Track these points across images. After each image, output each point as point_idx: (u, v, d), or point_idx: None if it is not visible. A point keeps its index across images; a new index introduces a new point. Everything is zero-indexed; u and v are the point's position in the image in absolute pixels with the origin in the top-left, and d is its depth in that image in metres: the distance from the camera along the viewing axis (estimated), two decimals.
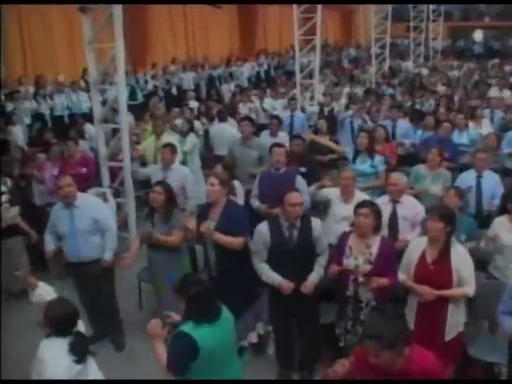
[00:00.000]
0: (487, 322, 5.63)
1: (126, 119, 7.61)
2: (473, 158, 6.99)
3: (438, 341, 4.56)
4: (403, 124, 9.90)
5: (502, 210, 5.58)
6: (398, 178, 5.87)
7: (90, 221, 5.58)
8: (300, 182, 6.47)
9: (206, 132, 10.89)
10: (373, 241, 4.90)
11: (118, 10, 6.83)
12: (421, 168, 7.03)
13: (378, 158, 7.38)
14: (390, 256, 4.89)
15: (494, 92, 13.12)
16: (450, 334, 4.64)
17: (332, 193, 6.21)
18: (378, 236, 4.94)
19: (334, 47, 26.69)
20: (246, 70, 19.01)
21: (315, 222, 5.08)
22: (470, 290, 4.54)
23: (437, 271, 4.54)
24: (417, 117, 10.41)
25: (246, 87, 16.71)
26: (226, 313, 3.80)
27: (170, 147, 7.32)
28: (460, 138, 9.11)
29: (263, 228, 5.05)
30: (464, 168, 7.32)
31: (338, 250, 5.05)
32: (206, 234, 5.14)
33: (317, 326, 5.32)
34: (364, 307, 4.95)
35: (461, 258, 4.56)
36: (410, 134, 9.65)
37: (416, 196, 6.38)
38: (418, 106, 12.22)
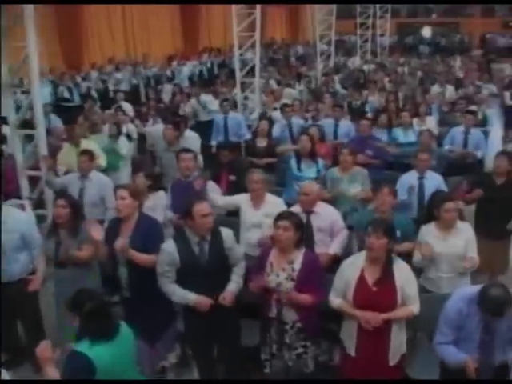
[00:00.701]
0: (425, 336, 5.19)
1: (42, 124, 7.19)
2: (414, 159, 6.66)
3: (382, 367, 4.20)
4: (346, 123, 9.50)
5: (429, 217, 5.21)
6: (310, 186, 5.46)
7: (17, 236, 5.13)
8: (212, 188, 6.08)
9: (142, 135, 10.33)
10: (295, 255, 4.44)
11: (29, 8, 6.51)
12: (334, 171, 6.66)
13: (322, 162, 7.03)
14: (315, 271, 4.43)
15: (437, 88, 12.83)
16: (394, 359, 4.25)
17: (241, 199, 5.79)
18: (300, 250, 4.48)
19: (280, 44, 26.31)
20: (187, 69, 18.38)
21: (226, 233, 4.64)
22: (416, 308, 4.22)
23: (380, 293, 4.12)
24: (358, 115, 10.00)
25: (187, 87, 16.14)
26: (125, 329, 3.65)
27: (88, 154, 6.79)
28: (406, 137, 8.79)
29: (169, 247, 4.50)
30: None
31: (258, 267, 4.58)
32: (120, 251, 4.60)
33: (238, 347, 4.83)
34: (289, 329, 4.50)
35: (405, 274, 4.19)
36: (353, 133, 9.22)
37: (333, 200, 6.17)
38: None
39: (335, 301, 4.34)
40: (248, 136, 10.26)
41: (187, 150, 6.37)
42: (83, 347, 3.36)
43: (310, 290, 4.36)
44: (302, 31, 30.00)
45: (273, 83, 15.26)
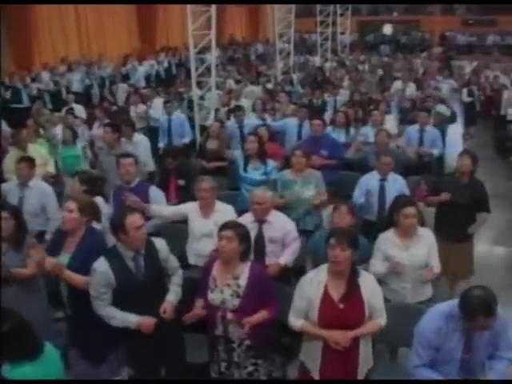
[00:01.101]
0: (384, 347, 5.06)
1: None
2: (376, 162, 6.38)
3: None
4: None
5: (389, 223, 4.91)
6: (262, 195, 5.13)
7: None
8: (156, 195, 5.76)
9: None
10: (240, 269, 4.08)
11: None
12: (287, 173, 6.34)
13: (272, 164, 6.69)
14: (263, 286, 4.08)
15: (397, 85, 12.62)
16: (362, 374, 3.95)
17: (189, 208, 5.45)
18: (246, 263, 4.12)
19: (240, 43, 25.95)
20: (143, 69, 17.85)
21: (159, 243, 4.33)
22: (383, 320, 3.97)
23: (347, 309, 3.80)
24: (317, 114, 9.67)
25: (143, 87, 15.67)
26: (49, 348, 3.47)
27: (27, 161, 6.38)
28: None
29: (101, 266, 4.09)
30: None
31: (201, 281, 4.20)
32: (53, 271, 4.21)
33: (186, 365, 4.51)
34: (237, 348, 4.15)
35: (370, 286, 3.93)
36: None
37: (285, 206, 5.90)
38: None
39: (296, 322, 3.98)
40: (189, 138, 10.13)
41: (127, 155, 6.00)
42: (5, 370, 3.20)
43: (259, 306, 4.04)
44: (262, 29, 29.72)
45: (231, 82, 14.88)
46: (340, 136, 8.47)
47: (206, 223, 5.23)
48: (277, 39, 17.78)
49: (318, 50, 21.68)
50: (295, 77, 16.27)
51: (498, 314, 3.47)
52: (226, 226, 4.14)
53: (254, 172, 6.59)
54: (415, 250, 4.76)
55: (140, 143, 8.06)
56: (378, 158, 6.36)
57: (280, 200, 5.95)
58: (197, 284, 4.30)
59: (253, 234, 4.77)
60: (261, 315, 4.04)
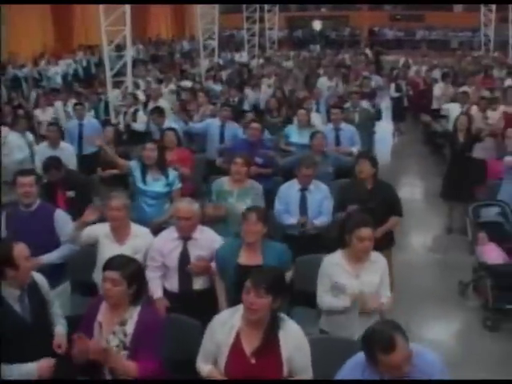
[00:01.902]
0: None
1: None
2: (296, 170, 5.70)
3: None
4: (232, 125, 8.41)
5: (336, 244, 4.22)
6: (189, 209, 4.40)
7: None
8: (61, 219, 4.87)
9: None
10: (129, 313, 3.39)
11: None
12: (224, 182, 5.64)
13: (173, 174, 5.92)
14: (149, 335, 3.34)
15: (323, 82, 12.08)
16: None
17: (99, 230, 4.63)
18: (137, 307, 3.41)
19: (164, 40, 25.04)
20: (59, 69, 16.74)
21: (39, 278, 3.69)
22: (306, 377, 3.30)
23: (261, 366, 3.13)
24: (240, 115, 9.03)
25: (58, 88, 14.60)
26: None
27: None
28: (301, 137, 7.74)
29: None
30: None
31: (83, 326, 3.46)
32: None
33: None
34: None
35: (294, 341, 3.25)
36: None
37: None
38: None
39: (204, 367, 3.32)
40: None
41: (27, 172, 5.01)
42: None
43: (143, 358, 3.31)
44: (188, 26, 28.85)
45: (151, 82, 14.03)
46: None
47: (122, 250, 4.29)
48: (200, 35, 17.07)
49: (245, 47, 21.10)
50: (222, 74, 15.60)
51: (421, 353, 2.90)
52: (110, 265, 3.40)
53: (155, 184, 5.81)
54: (367, 277, 4.03)
55: (66, 151, 7.35)
56: (299, 168, 5.65)
57: (212, 211, 5.34)
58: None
59: (177, 252, 4.42)
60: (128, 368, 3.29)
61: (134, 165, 6.00)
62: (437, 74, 15.21)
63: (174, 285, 4.49)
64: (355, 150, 7.69)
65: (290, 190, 5.66)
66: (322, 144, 6.68)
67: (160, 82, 14.28)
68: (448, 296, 6.42)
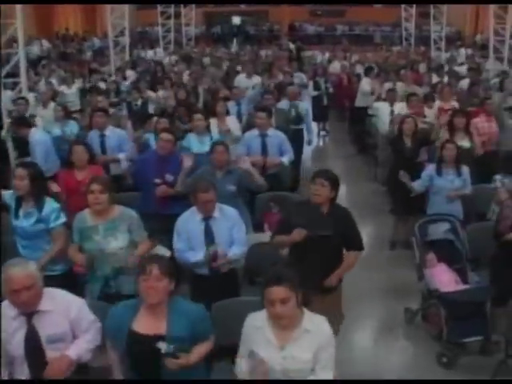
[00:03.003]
0: None
1: None
2: (192, 197, 4.57)
3: None
4: (117, 133, 7.06)
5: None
6: (25, 275, 3.17)
7: None
8: None
9: None
10: None
11: None
12: (86, 216, 4.45)
13: (50, 206, 4.60)
14: None
15: (242, 80, 11.00)
16: None
17: None
18: None
19: (73, 37, 23.41)
20: None
21: None
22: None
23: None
24: (141, 119, 7.78)
25: None
26: None
27: None
28: (202, 145, 6.71)
29: None
30: None
31: None
32: None
33: None
34: None
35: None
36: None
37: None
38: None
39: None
40: None
41: None
42: None
43: None
44: (100, 22, 27.19)
45: (54, 82, 12.60)
46: None
47: None
48: (110, 31, 15.74)
49: (160, 44, 19.85)
50: (131, 73, 14.29)
51: None
52: None
53: (26, 219, 4.56)
54: (295, 352, 3.07)
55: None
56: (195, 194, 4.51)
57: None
58: None
59: (20, 335, 3.27)
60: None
61: (8, 195, 4.72)
62: (360, 69, 14.55)
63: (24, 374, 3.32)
64: (285, 160, 6.70)
65: (189, 221, 4.50)
66: (223, 158, 5.56)
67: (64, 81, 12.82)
68: (393, 325, 5.57)
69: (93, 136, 6.86)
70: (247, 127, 7.76)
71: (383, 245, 7.26)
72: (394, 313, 5.70)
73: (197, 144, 6.76)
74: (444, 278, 5.11)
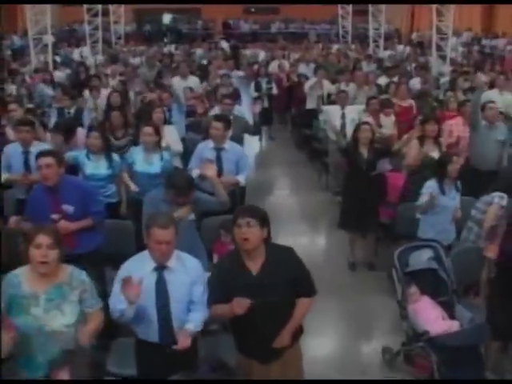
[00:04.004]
0: None
1: None
2: (146, 236, 3.51)
3: None
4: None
5: None
6: None
7: None
8: None
9: None
10: None
11: None
12: (20, 278, 3.29)
13: None
14: None
15: (176, 82, 9.92)
16: None
17: None
18: None
19: None
20: None
21: None
22: None
23: None
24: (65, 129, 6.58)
25: None
26: None
27: None
28: (149, 165, 5.72)
29: None
30: None
31: None
32: None
33: None
34: None
35: None
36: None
37: None
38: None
39: None
40: None
41: None
42: None
43: None
44: (22, 20, 25.37)
45: None
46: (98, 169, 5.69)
47: None
48: (29, 29, 14.38)
49: (87, 42, 18.50)
50: (60, 74, 13.02)
51: None
52: None
53: None
54: None
55: None
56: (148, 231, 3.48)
57: None
58: None
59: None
60: None
61: None
62: (303, 68, 13.78)
63: None
64: (242, 179, 5.80)
65: (142, 268, 3.45)
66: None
67: None
68: (368, 368, 4.76)
69: (13, 152, 5.73)
70: None
71: (343, 266, 6.48)
72: (368, 353, 4.91)
73: (142, 163, 5.70)
74: (430, 316, 4.36)
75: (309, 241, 7.33)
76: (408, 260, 4.67)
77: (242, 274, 3.31)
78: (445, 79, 11.78)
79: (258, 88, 11.46)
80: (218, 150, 5.83)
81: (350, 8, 23.11)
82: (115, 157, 5.74)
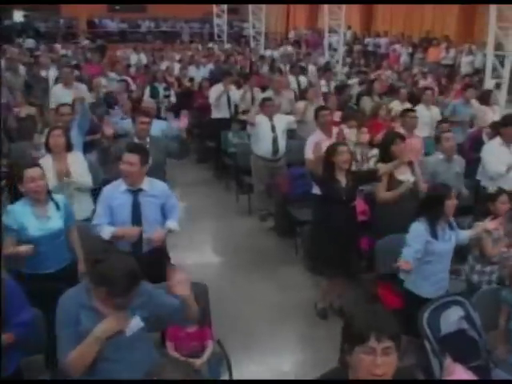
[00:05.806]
0: None
1: None
2: None
3: None
4: None
5: None
6: None
7: None
8: None
9: None
10: None
11: None
12: None
13: None
14: None
15: (59, 91, 8.08)
16: None
17: None
18: None
19: None
20: None
21: None
22: None
23: None
24: None
25: None
26: None
27: None
28: (49, 223, 3.97)
29: None
30: None
31: None
32: None
33: None
34: None
35: None
36: None
37: None
38: None
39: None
40: None
41: None
42: None
43: None
44: None
45: None
46: None
47: None
48: None
49: None
50: None
51: None
52: None
53: None
54: None
55: None
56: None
57: None
58: None
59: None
60: None
61: None
62: (193, 70, 12.44)
63: None
64: (175, 224, 4.24)
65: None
66: None
67: None
68: None
69: None
70: None
71: (310, 313, 5.18)
72: None
73: (35, 223, 3.91)
74: None
75: (261, 281, 5.86)
76: (440, 324, 3.51)
77: None
78: (352, 81, 10.93)
79: (153, 94, 9.77)
80: (134, 193, 4.18)
81: (224, 6, 22.23)
82: None
